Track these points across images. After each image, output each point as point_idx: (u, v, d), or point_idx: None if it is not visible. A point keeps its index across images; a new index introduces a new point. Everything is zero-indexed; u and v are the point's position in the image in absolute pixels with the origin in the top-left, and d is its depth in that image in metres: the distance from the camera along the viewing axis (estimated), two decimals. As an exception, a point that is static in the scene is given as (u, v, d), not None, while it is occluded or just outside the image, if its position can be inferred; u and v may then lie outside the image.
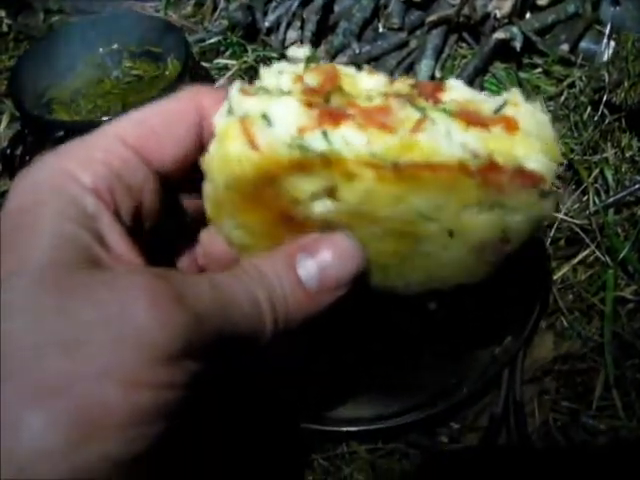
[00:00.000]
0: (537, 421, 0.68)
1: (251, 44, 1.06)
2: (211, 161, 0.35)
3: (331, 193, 0.35)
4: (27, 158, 0.78)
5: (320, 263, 0.35)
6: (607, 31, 0.98)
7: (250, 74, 1.01)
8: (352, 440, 0.68)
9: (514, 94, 0.36)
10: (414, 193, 0.34)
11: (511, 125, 0.34)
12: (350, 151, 0.33)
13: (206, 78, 0.93)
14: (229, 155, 0.34)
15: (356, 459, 0.68)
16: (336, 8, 1.06)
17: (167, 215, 0.38)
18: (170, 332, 0.29)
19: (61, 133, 0.79)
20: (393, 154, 0.33)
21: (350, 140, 0.33)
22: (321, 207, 0.35)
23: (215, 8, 1.12)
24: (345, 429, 0.66)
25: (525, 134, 0.34)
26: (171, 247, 0.42)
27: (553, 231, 0.81)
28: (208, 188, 0.36)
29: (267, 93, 0.35)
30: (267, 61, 1.02)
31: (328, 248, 0.35)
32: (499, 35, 0.93)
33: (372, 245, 0.36)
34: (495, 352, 0.70)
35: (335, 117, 0.33)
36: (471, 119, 0.34)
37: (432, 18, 0.95)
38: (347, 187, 0.34)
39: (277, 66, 0.37)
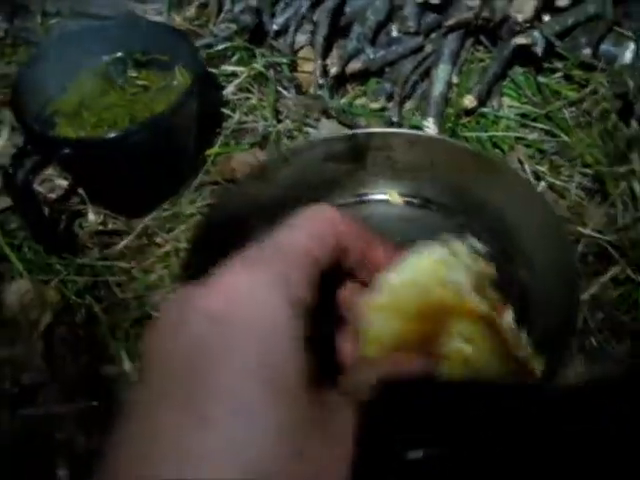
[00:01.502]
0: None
1: (258, 47, 1.02)
2: (380, 303, 0.42)
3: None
4: (31, 177, 0.74)
5: None
6: (629, 33, 0.94)
7: (259, 81, 0.97)
8: None
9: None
10: None
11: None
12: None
13: (214, 86, 0.89)
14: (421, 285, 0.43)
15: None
16: (347, 9, 1.01)
17: None
18: None
19: (67, 150, 0.76)
20: None
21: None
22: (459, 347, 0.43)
23: (220, 10, 1.08)
24: None
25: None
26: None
27: (580, 247, 0.78)
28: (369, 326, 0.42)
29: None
30: (277, 67, 0.98)
31: None
32: (520, 40, 0.89)
33: None
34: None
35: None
36: None
37: (450, 22, 0.91)
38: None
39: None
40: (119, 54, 0.91)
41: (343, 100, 0.96)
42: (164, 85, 0.87)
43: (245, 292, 0.33)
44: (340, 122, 0.91)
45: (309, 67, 0.99)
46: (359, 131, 0.84)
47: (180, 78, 0.86)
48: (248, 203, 0.78)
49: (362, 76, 0.97)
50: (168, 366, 0.32)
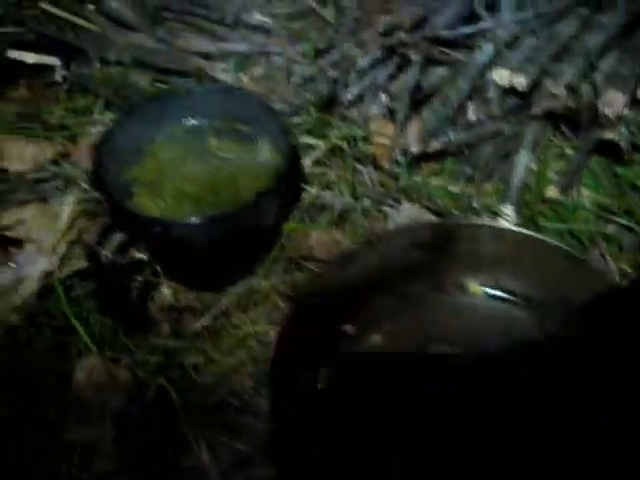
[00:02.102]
0: None
1: (329, 115, 1.00)
2: None
3: None
4: (118, 259, 0.71)
5: None
6: None
7: (335, 153, 0.95)
8: None
9: None
10: None
11: None
12: None
13: (294, 158, 0.86)
14: None
15: None
16: (423, 83, 1.00)
17: None
18: None
19: (158, 229, 0.72)
20: None
21: None
22: None
23: (290, 72, 1.05)
24: None
25: None
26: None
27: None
28: None
29: None
30: (352, 140, 0.96)
31: None
32: (607, 135, 0.89)
33: None
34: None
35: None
36: None
37: (537, 111, 0.90)
38: None
39: None
40: (199, 121, 0.88)
41: (418, 178, 0.94)
42: (248, 159, 0.83)
43: None
44: (422, 205, 0.88)
45: (383, 139, 0.97)
46: (446, 222, 0.83)
47: (266, 154, 0.83)
48: (335, 289, 0.77)
49: (438, 155, 0.95)
50: None
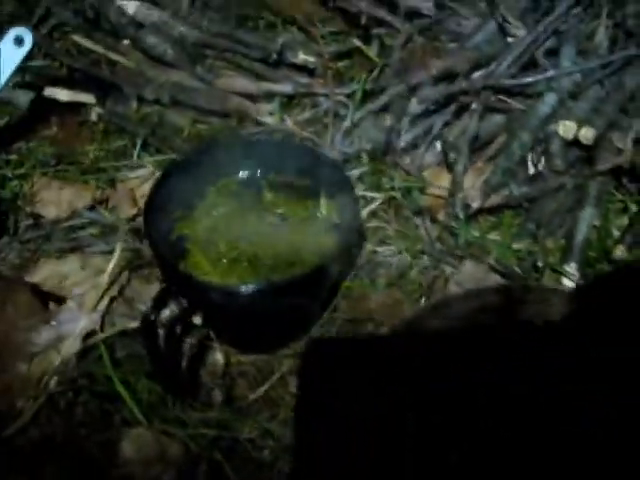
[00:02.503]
0: None
1: (382, 163, 0.95)
2: None
3: None
4: (179, 330, 0.66)
5: None
6: None
7: (393, 205, 0.90)
8: None
9: None
10: None
11: None
12: None
13: (356, 215, 0.80)
14: None
15: None
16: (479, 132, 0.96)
17: None
18: None
19: (217, 297, 0.67)
20: None
21: None
22: None
23: (336, 115, 1.00)
24: None
25: None
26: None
27: None
28: None
29: None
30: (407, 193, 0.91)
31: None
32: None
33: None
34: None
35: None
36: None
37: (603, 167, 0.86)
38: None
39: None
40: (252, 173, 0.83)
41: (475, 232, 0.90)
42: (306, 215, 0.79)
43: None
44: (484, 263, 0.84)
45: (438, 190, 0.93)
46: (516, 286, 0.79)
47: (325, 210, 0.79)
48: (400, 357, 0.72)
49: (497, 209, 0.91)
50: None
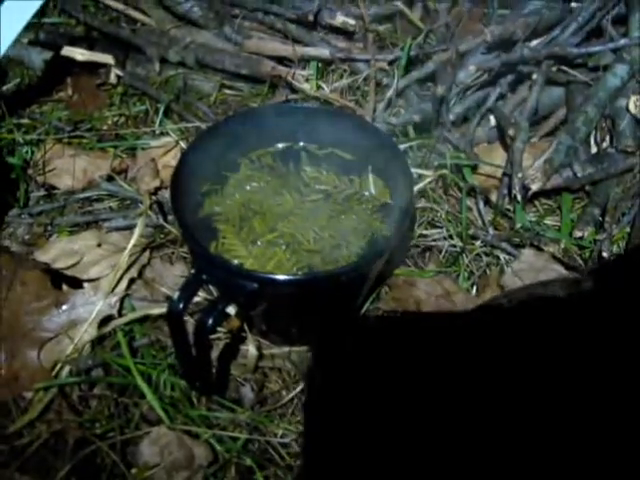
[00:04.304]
0: None
1: (429, 138, 0.86)
2: None
3: None
4: (209, 320, 0.57)
5: None
6: None
7: (445, 185, 0.82)
8: None
9: None
10: None
11: None
12: None
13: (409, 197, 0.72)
14: None
15: None
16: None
17: None
18: None
19: (255, 286, 0.59)
20: None
21: None
22: None
23: (378, 84, 0.91)
24: None
25: None
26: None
27: None
28: None
29: None
30: (459, 170, 0.82)
31: None
32: None
33: None
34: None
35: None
36: None
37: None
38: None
39: None
40: (290, 144, 0.74)
41: (531, 217, 0.81)
42: (352, 194, 0.70)
43: None
44: (544, 251, 0.75)
45: (488, 169, 0.84)
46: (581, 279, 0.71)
47: (373, 188, 0.70)
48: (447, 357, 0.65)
49: (555, 191, 0.82)
50: None
